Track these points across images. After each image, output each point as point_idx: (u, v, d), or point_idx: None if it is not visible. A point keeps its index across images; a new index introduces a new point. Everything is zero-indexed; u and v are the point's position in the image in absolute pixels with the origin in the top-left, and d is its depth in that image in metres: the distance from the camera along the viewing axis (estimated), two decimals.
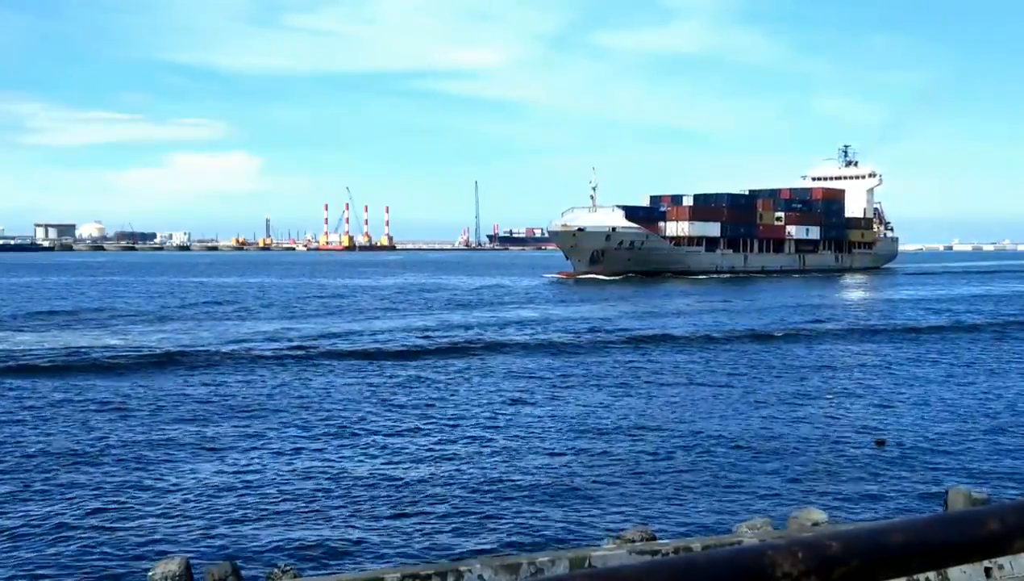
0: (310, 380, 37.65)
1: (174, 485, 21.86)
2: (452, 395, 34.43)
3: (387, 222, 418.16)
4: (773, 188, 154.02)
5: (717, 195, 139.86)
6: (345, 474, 22.85)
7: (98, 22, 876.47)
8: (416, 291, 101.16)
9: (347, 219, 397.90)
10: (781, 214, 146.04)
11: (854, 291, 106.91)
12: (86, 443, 26.08)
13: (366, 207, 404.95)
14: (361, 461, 24.30)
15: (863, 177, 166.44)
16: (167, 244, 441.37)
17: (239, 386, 36.15)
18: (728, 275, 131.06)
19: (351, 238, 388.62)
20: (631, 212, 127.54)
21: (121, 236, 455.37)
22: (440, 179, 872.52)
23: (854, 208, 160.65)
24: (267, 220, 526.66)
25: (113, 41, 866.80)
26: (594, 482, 22.21)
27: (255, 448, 25.76)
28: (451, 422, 29.41)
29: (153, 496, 20.95)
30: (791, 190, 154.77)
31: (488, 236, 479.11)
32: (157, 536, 18.23)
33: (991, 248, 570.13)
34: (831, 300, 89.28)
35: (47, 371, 39.31)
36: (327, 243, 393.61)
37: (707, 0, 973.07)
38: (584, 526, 18.88)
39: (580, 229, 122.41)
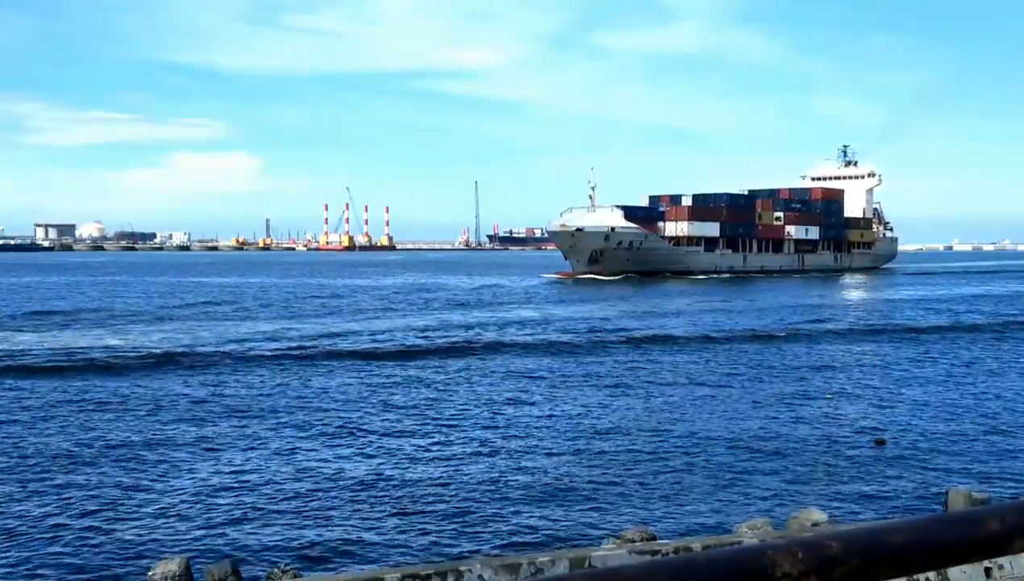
0: (310, 380, 37.65)
1: (174, 485, 21.85)
2: (451, 395, 34.42)
3: (387, 222, 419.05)
4: (772, 188, 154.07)
5: (716, 195, 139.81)
6: (345, 474, 22.84)
7: (98, 22, 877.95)
8: (416, 291, 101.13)
9: (347, 219, 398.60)
10: (780, 214, 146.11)
11: (854, 291, 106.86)
12: (85, 443, 26.07)
13: (366, 207, 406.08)
14: (360, 461, 24.29)
15: (863, 177, 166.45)
16: (167, 244, 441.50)
17: (239, 386, 36.13)
18: (727, 275, 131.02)
19: (351, 238, 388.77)
20: (630, 212, 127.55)
21: (121, 236, 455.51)
22: (440, 179, 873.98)
23: (853, 208, 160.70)
24: (267, 220, 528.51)
25: (113, 41, 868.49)
26: (594, 482, 22.19)
27: (255, 448, 25.75)
28: (450, 422, 29.40)
29: (153, 496, 20.94)
30: (790, 190, 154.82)
31: (488, 236, 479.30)
32: (157, 536, 18.23)
33: (991, 248, 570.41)
34: (830, 300, 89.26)
35: (47, 371, 39.31)
36: (327, 243, 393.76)
37: (707, 0, 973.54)
38: (584, 526, 18.87)
39: (579, 229, 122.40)
